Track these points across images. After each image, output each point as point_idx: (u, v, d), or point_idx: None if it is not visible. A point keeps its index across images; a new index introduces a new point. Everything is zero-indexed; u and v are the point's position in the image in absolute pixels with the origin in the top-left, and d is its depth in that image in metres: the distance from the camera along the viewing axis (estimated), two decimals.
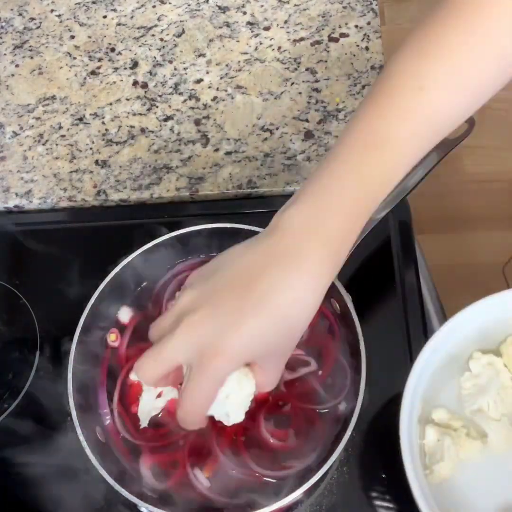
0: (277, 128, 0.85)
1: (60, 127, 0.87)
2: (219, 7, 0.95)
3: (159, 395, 0.60)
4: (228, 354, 0.49)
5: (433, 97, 0.49)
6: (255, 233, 0.67)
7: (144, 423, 0.61)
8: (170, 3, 0.96)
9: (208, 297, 0.51)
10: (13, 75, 0.92)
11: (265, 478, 0.60)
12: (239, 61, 0.90)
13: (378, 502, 0.64)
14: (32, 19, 0.97)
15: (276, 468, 0.61)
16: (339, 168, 0.51)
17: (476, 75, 0.50)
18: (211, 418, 0.59)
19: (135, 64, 0.92)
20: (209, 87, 0.89)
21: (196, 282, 0.54)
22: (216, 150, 0.84)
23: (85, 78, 0.91)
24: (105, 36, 0.94)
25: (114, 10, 0.97)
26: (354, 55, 0.89)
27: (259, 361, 0.52)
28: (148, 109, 0.88)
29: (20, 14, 0.98)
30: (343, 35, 0.91)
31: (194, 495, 0.60)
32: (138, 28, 0.95)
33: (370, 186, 0.50)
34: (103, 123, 0.87)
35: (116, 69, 0.91)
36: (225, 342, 0.49)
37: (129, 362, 0.66)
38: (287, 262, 0.49)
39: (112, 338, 0.67)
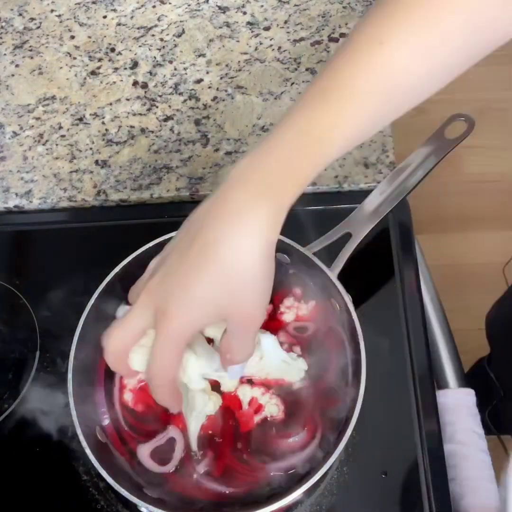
0: None
1: (60, 127, 0.87)
2: (219, 7, 0.95)
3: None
4: (180, 317, 0.48)
5: (392, 50, 0.48)
6: None
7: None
8: (170, 3, 0.96)
9: (163, 261, 0.52)
10: (13, 75, 0.92)
11: (267, 472, 0.61)
12: (239, 61, 0.90)
13: (377, 502, 0.64)
14: (32, 19, 0.97)
15: (277, 459, 0.61)
16: (292, 114, 0.49)
17: (438, 35, 0.49)
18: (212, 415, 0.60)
19: (135, 64, 0.92)
20: (209, 87, 0.89)
21: (164, 249, 0.54)
22: (216, 150, 0.84)
23: (85, 78, 0.91)
24: (105, 36, 0.94)
25: (114, 10, 0.97)
26: None
27: (225, 325, 0.50)
28: (148, 109, 0.88)
29: (20, 14, 0.98)
30: (343, 35, 0.91)
31: (195, 490, 0.60)
32: (138, 28, 0.95)
33: (317, 132, 0.48)
34: (103, 123, 0.87)
35: (116, 69, 0.91)
36: (174, 304, 0.48)
37: None
38: (226, 211, 0.47)
39: None
